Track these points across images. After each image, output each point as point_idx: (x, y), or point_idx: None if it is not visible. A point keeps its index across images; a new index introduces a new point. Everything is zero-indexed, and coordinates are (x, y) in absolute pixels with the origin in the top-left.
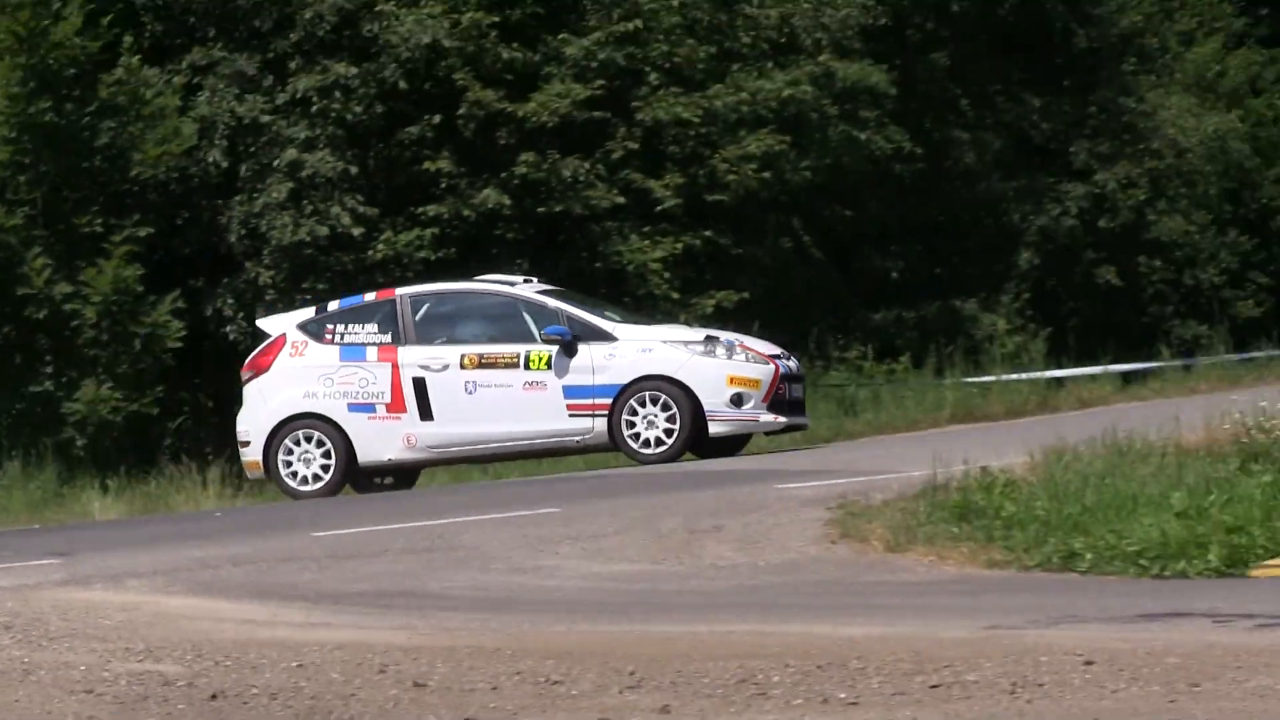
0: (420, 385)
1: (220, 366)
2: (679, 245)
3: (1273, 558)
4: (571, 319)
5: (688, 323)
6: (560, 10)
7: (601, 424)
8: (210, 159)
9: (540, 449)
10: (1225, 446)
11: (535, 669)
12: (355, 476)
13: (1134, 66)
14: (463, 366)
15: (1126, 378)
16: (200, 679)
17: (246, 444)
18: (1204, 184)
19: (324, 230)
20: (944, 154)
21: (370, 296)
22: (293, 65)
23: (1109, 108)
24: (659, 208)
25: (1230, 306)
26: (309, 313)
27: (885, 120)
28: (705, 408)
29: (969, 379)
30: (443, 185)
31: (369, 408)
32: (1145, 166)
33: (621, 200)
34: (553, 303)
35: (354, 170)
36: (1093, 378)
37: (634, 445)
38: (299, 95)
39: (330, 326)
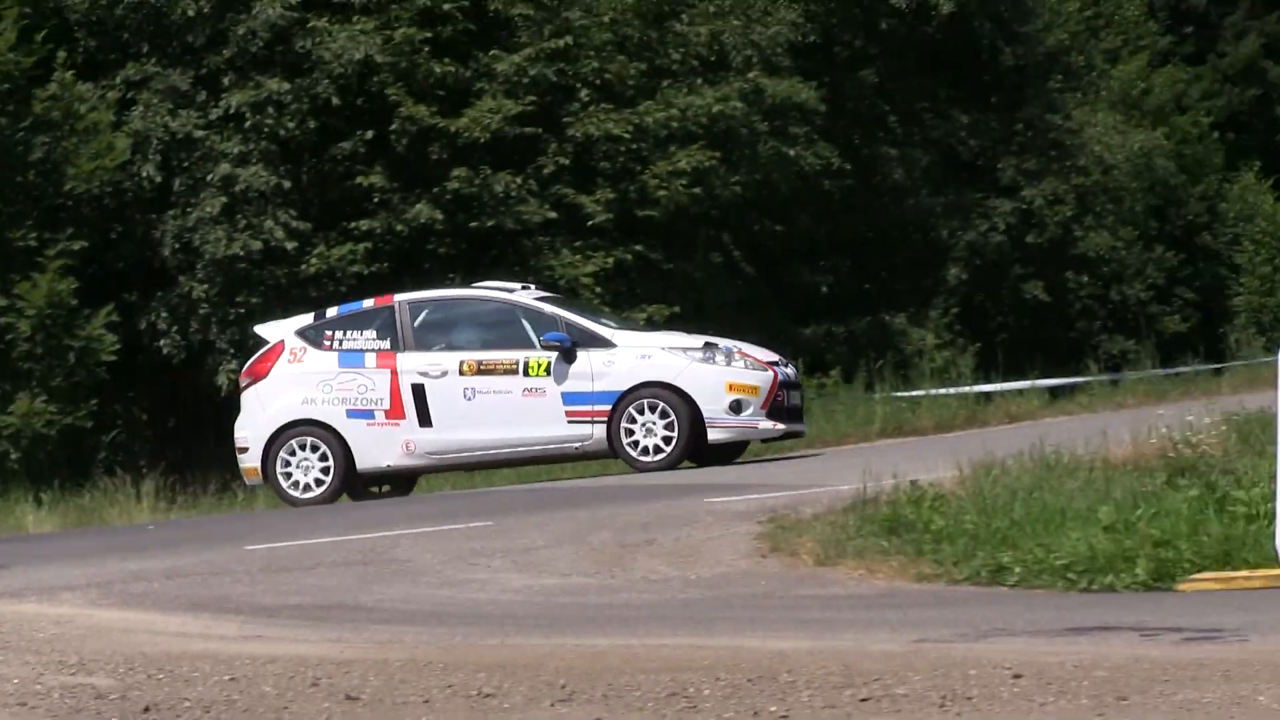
0: (419, 392)
1: (154, 380)
2: (610, 260)
3: (1199, 572)
4: (570, 325)
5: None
6: (492, 27)
7: (601, 431)
8: (144, 173)
9: (539, 456)
10: (1152, 461)
11: (467, 682)
12: (354, 483)
13: (1060, 84)
14: (462, 373)
15: (1054, 392)
16: (133, 692)
17: (245, 450)
18: (1130, 200)
19: (257, 244)
20: (873, 170)
21: (369, 303)
22: (226, 81)
23: (1036, 125)
24: (590, 222)
25: (1157, 322)
26: (307, 319)
27: (814, 136)
28: (704, 415)
29: (898, 393)
30: (375, 200)
31: (368, 414)
32: (1072, 183)
33: (553, 215)
34: (551, 309)
35: (287, 185)
36: (1021, 392)
37: (633, 453)
38: (232, 110)
39: (329, 333)
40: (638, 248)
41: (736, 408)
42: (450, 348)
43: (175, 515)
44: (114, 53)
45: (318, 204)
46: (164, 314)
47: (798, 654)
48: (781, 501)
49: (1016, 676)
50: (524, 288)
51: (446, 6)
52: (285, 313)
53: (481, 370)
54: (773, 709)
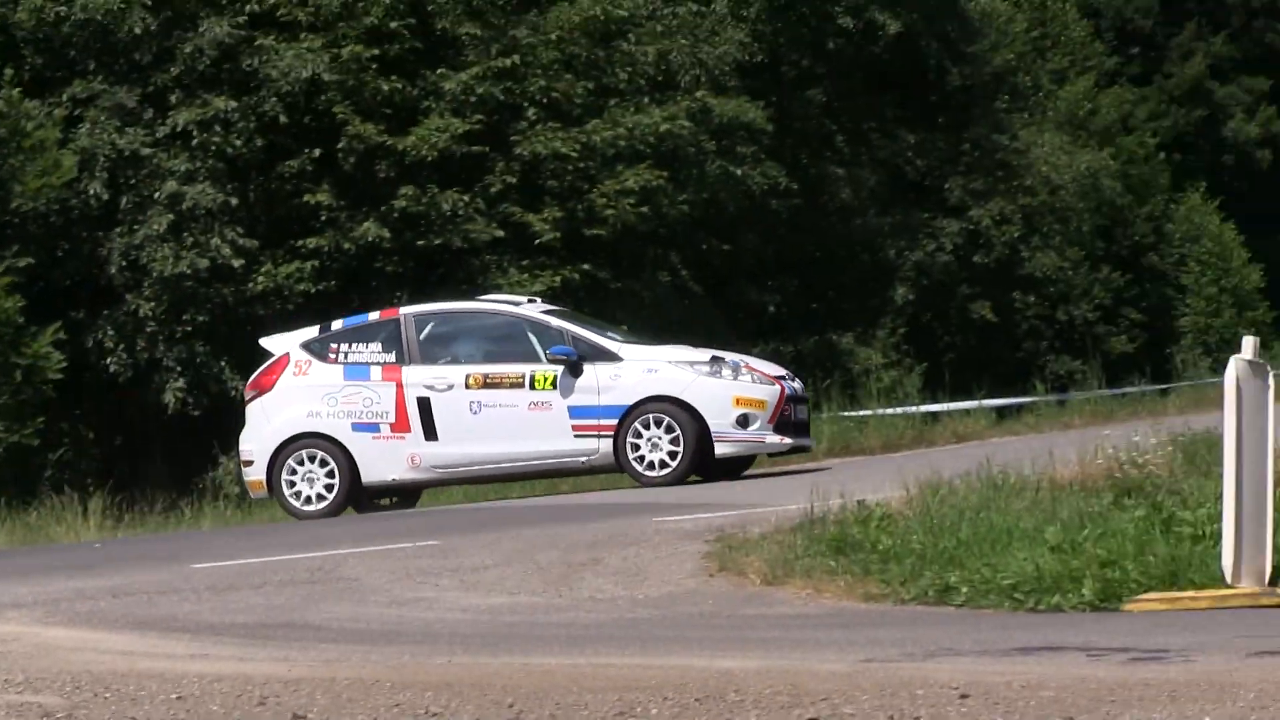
0: (425, 405)
1: (101, 398)
2: (558, 278)
3: (1146, 592)
4: (576, 339)
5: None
6: (439, 45)
7: (607, 445)
8: (91, 191)
9: (545, 470)
10: (1099, 481)
11: (415, 701)
12: (359, 496)
13: (1007, 104)
14: (468, 386)
15: (1001, 412)
16: (80, 710)
17: (250, 463)
18: (1077, 220)
19: (204, 262)
20: (820, 189)
21: (374, 315)
22: (173, 99)
23: (983, 145)
24: (538, 241)
25: (1103, 342)
26: (313, 331)
27: (762, 156)
28: (711, 429)
29: (846, 413)
30: (323, 218)
31: (373, 427)
32: (1019, 203)
33: (500, 234)
34: (558, 322)
35: (234, 202)
36: (968, 412)
37: (638, 467)
38: (179, 128)
39: (334, 345)
40: (585, 266)
41: (743, 422)
42: (456, 361)
43: (122, 533)
44: (61, 70)
45: (265, 222)
46: (111, 332)
47: (745, 673)
48: (729, 521)
49: (963, 696)
50: (530, 300)
51: (394, 25)
52: (231, 332)
53: (487, 383)
54: None
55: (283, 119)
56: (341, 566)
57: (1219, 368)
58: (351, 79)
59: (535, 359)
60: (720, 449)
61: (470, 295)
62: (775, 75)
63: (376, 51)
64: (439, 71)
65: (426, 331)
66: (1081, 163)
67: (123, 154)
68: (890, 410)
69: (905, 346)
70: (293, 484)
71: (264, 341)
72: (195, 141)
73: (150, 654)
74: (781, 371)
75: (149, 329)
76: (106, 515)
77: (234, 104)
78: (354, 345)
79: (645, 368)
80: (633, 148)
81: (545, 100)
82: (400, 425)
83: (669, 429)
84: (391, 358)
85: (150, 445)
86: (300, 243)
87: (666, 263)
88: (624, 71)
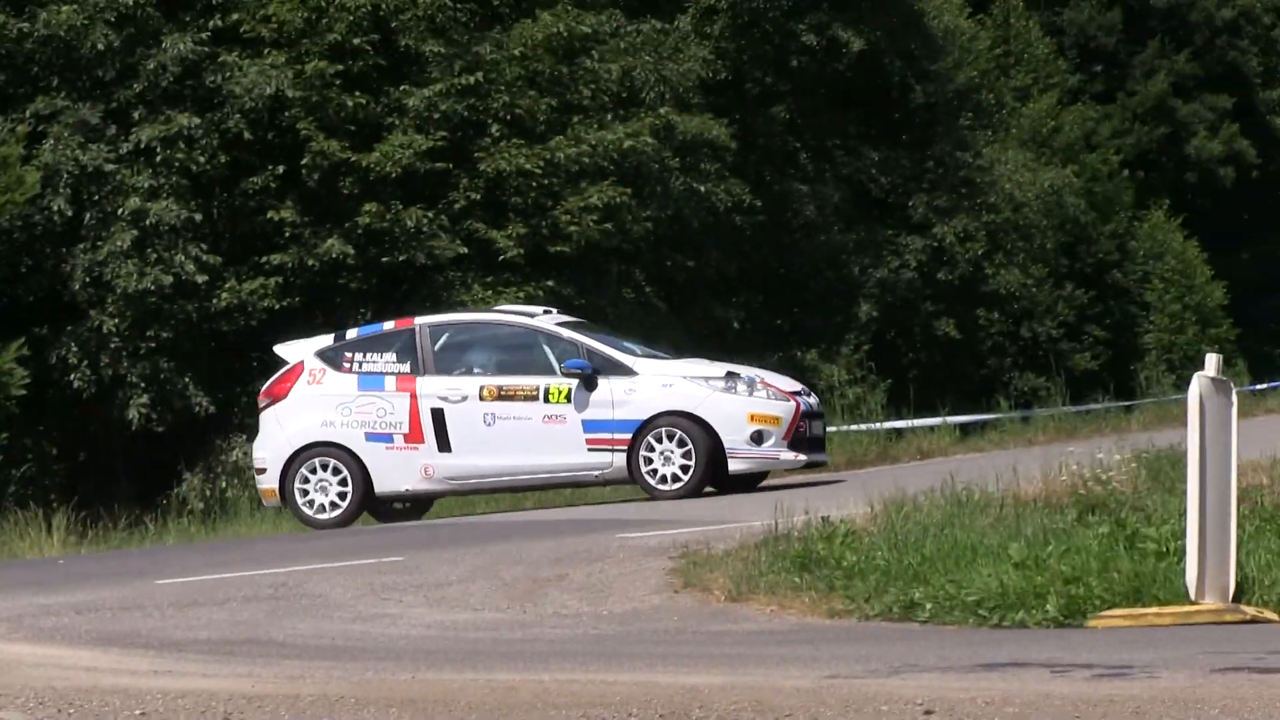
0: (439, 416)
1: (64, 414)
2: (522, 295)
3: (1110, 608)
4: (592, 352)
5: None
6: (402, 62)
7: (621, 459)
8: (54, 207)
9: (558, 482)
10: (1062, 498)
11: (379, 717)
12: (372, 505)
13: (971, 122)
14: (482, 398)
15: (965, 429)
16: None
17: (263, 471)
18: (1040, 238)
19: (168, 279)
20: (784, 206)
21: (389, 325)
22: (136, 115)
23: (946, 162)
24: (502, 258)
25: (1067, 359)
26: (327, 340)
27: (725, 173)
28: (725, 445)
29: None
30: (286, 234)
31: (387, 438)
32: (983, 220)
33: (464, 250)
34: (572, 334)
35: (198, 219)
36: (932, 429)
37: (651, 481)
38: (143, 144)
39: (348, 355)
40: (549, 283)
41: (758, 438)
42: (470, 372)
43: (86, 550)
44: (24, 86)
45: (228, 238)
46: (74, 348)
47: (710, 689)
48: (693, 537)
49: (928, 713)
50: (546, 311)
51: (357, 41)
52: (195, 348)
53: (502, 395)
54: None
55: (246, 135)
56: (306, 582)
57: (1183, 385)
58: (315, 95)
59: (550, 371)
60: (734, 465)
61: (434, 313)
62: (739, 92)
63: (340, 68)
64: (403, 88)
65: (441, 342)
66: (1045, 180)
67: (86, 170)
68: (854, 427)
69: (869, 363)
70: (306, 492)
71: (279, 349)
72: (159, 158)
73: (114, 670)
74: (798, 386)
75: (113, 345)
76: (70, 531)
77: (197, 120)
78: (368, 355)
79: (660, 382)
80: (596, 164)
81: (509, 117)
82: (414, 436)
83: (680, 442)
84: (406, 368)
85: (114, 461)
86: (264, 259)
87: (631, 279)
88: (588, 88)
